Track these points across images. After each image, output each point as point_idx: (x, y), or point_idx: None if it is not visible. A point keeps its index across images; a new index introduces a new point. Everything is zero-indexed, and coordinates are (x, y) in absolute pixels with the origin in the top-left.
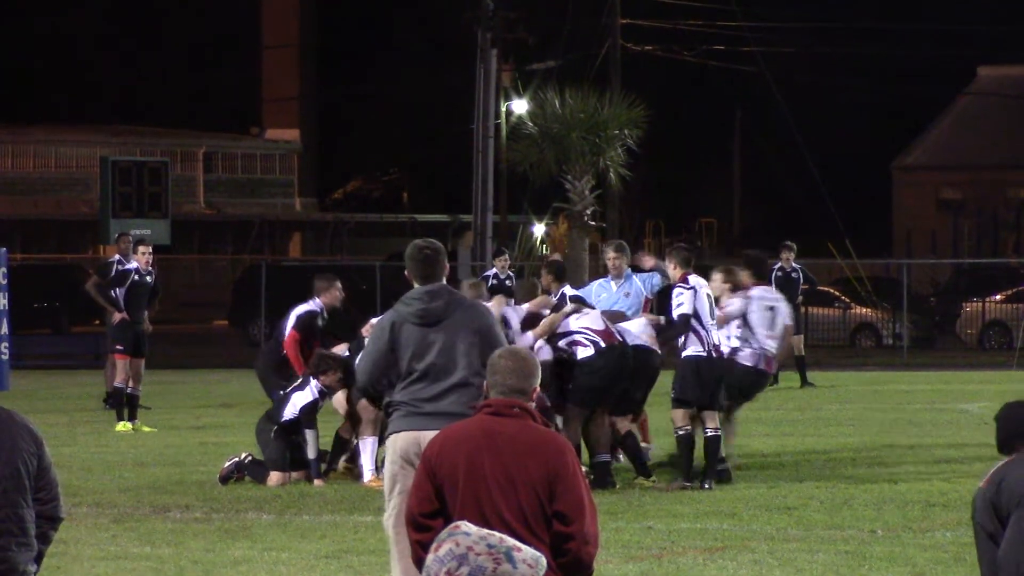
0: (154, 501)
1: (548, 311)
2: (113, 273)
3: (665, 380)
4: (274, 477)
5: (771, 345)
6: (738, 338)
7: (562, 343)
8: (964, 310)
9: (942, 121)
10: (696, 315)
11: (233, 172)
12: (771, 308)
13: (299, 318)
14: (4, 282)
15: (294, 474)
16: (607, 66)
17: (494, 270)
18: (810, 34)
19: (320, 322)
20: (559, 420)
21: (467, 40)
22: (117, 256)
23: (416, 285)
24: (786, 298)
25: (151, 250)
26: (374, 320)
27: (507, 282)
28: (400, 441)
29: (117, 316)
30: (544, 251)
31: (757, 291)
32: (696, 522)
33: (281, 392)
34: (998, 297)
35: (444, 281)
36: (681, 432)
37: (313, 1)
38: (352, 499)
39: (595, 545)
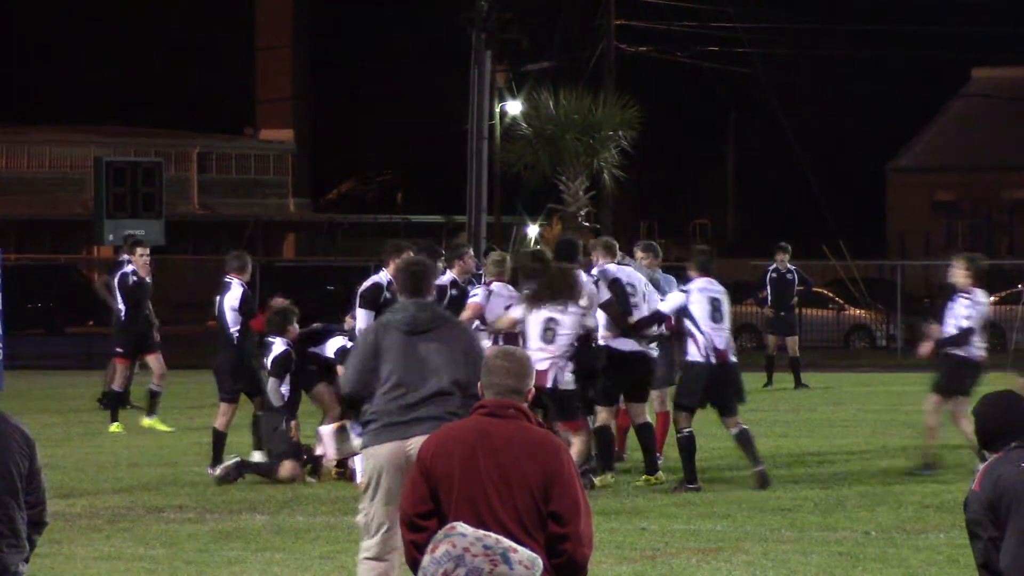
0: (148, 502)
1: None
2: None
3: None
4: (287, 467)
5: (717, 336)
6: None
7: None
8: None
9: (936, 123)
10: (690, 317)
11: (227, 173)
12: (714, 300)
13: (362, 295)
14: None
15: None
16: (601, 67)
17: (452, 275)
18: (804, 35)
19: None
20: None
21: (461, 41)
22: (126, 256)
23: (402, 299)
24: (782, 299)
25: (149, 251)
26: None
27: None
28: (384, 451)
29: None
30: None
31: (700, 283)
32: (690, 523)
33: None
34: (992, 299)
35: (430, 297)
36: (680, 435)
37: (307, 2)
38: (346, 500)
39: (590, 547)
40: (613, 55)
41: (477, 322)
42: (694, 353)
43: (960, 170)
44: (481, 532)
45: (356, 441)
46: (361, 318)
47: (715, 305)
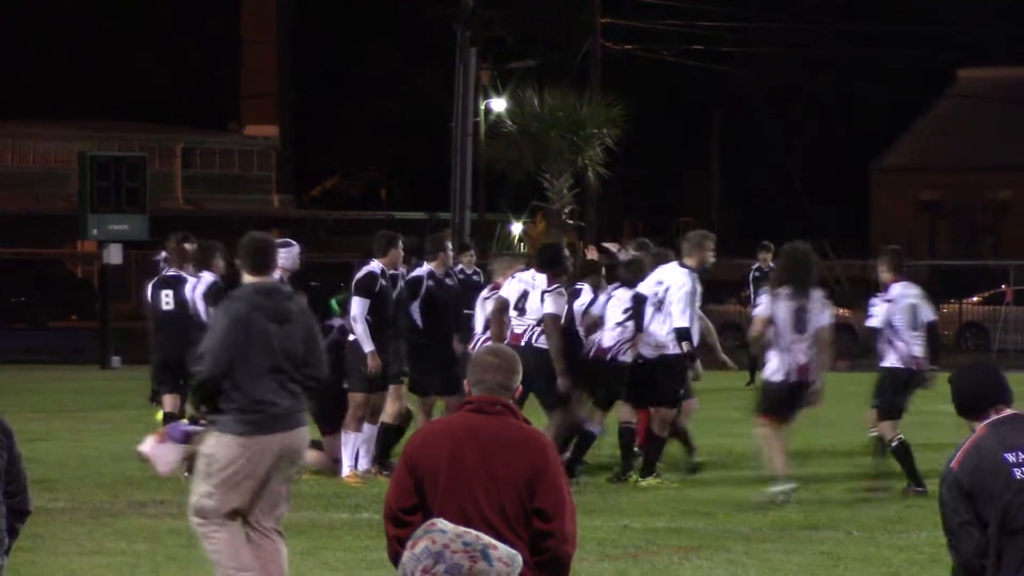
0: (130, 496)
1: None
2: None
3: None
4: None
5: (916, 346)
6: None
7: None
8: (940, 311)
9: (921, 124)
10: (891, 325)
11: (211, 168)
12: (913, 307)
13: (357, 284)
14: None
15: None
16: (586, 65)
17: (460, 265)
18: (790, 35)
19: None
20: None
21: (447, 37)
22: (164, 254)
23: (248, 275)
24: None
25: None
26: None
27: (474, 276)
28: (264, 443)
29: None
30: (522, 249)
31: (899, 288)
32: (672, 521)
33: None
34: (975, 299)
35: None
36: (893, 444)
37: None
38: (328, 496)
39: (573, 544)
40: (599, 53)
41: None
42: (893, 361)
43: (945, 170)
44: (461, 528)
45: (179, 448)
46: (356, 305)
47: (914, 312)
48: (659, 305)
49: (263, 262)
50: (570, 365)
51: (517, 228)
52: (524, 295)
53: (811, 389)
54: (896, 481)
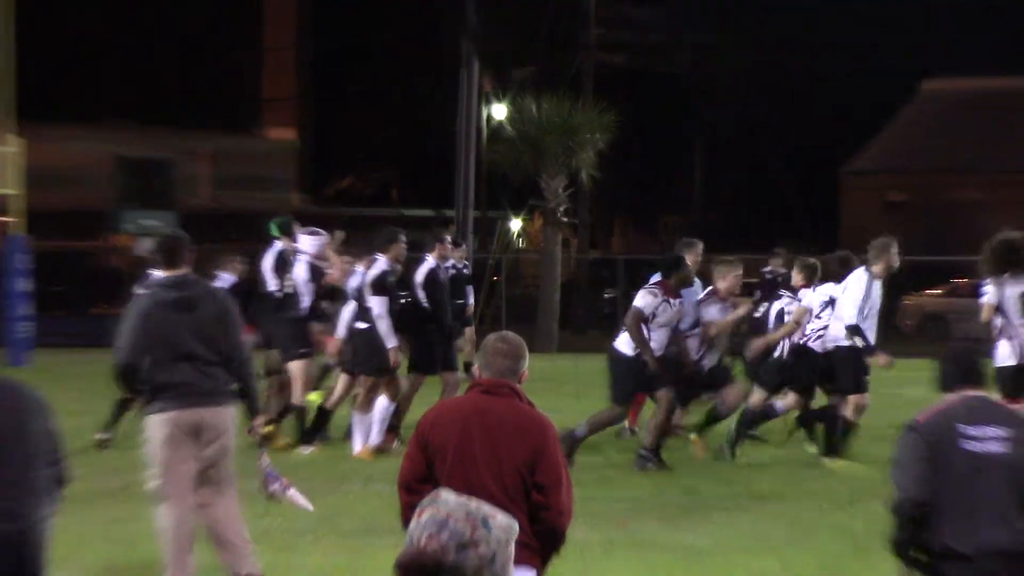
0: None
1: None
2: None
3: None
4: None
5: None
6: None
7: None
8: (904, 303)
9: (888, 129)
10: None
11: (235, 169)
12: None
13: (372, 285)
14: (23, 268)
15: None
16: (580, 74)
17: (451, 260)
18: (770, 47)
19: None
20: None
21: (453, 47)
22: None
23: (164, 270)
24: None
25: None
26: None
27: (464, 270)
28: (176, 418)
29: None
30: (520, 245)
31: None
32: (657, 493)
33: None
34: (937, 291)
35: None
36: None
37: (310, 5)
38: (343, 470)
39: (568, 516)
40: (592, 64)
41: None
42: (1007, 355)
43: (910, 172)
44: (464, 498)
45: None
46: (377, 305)
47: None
48: (833, 303)
49: (171, 258)
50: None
51: (516, 225)
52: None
53: None
54: None
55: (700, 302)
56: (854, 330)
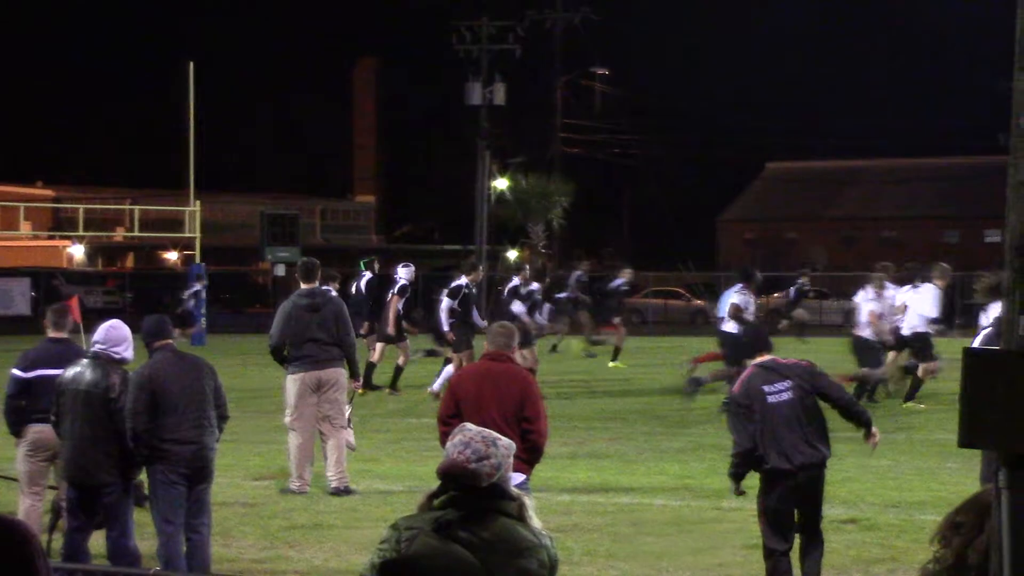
0: None
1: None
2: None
3: None
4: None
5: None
6: None
7: None
8: (761, 302)
9: (745, 193)
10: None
11: (336, 220)
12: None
13: (450, 291)
14: (204, 283)
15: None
16: (553, 159)
17: (466, 280)
18: (675, 136)
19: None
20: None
21: (473, 144)
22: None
23: (302, 284)
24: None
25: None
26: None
27: (474, 290)
28: (305, 376)
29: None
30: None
31: None
32: (607, 422)
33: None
34: (776, 295)
35: (318, 283)
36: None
37: (386, 91)
38: (407, 406)
39: (545, 437)
40: (559, 148)
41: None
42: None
43: (758, 220)
44: (480, 428)
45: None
46: (445, 303)
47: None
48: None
49: (307, 275)
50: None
51: (512, 255)
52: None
53: None
54: None
55: None
56: (934, 321)
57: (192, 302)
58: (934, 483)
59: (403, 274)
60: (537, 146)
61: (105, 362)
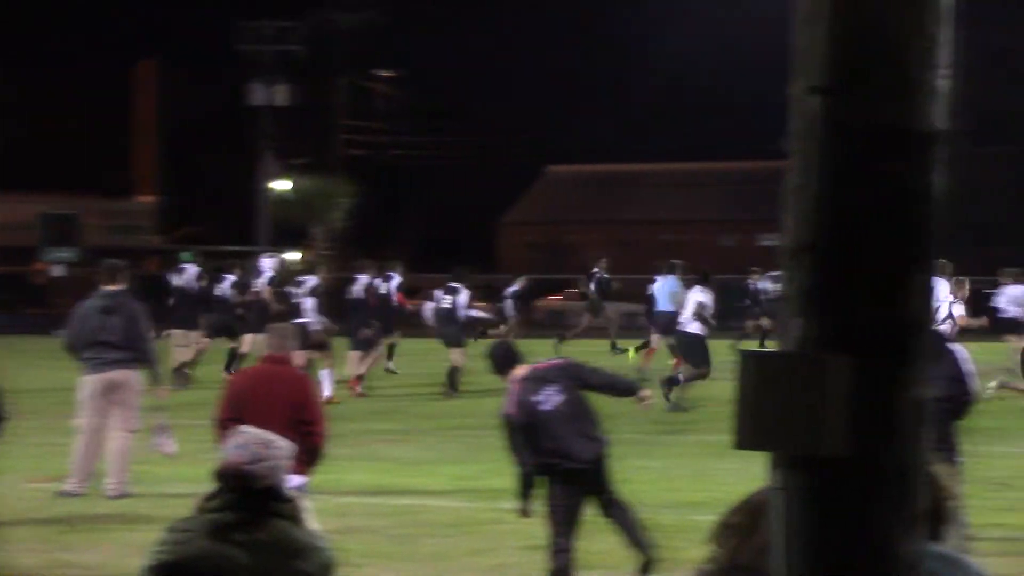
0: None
1: None
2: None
3: None
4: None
5: None
6: None
7: None
8: (539, 304)
9: (525, 196)
10: None
11: (117, 220)
12: None
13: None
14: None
15: None
16: (335, 157)
17: (315, 280)
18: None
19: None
20: None
21: (255, 144)
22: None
23: (103, 287)
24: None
25: None
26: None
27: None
28: (95, 378)
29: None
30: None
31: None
32: (385, 425)
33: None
34: (558, 297)
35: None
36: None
37: (165, 110)
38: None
39: (324, 439)
40: (339, 151)
41: None
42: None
43: (540, 223)
44: (258, 430)
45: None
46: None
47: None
48: None
49: (110, 277)
50: None
51: (295, 256)
52: None
53: None
54: None
55: None
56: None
57: None
58: (709, 484)
59: (269, 265)
60: (320, 147)
61: None
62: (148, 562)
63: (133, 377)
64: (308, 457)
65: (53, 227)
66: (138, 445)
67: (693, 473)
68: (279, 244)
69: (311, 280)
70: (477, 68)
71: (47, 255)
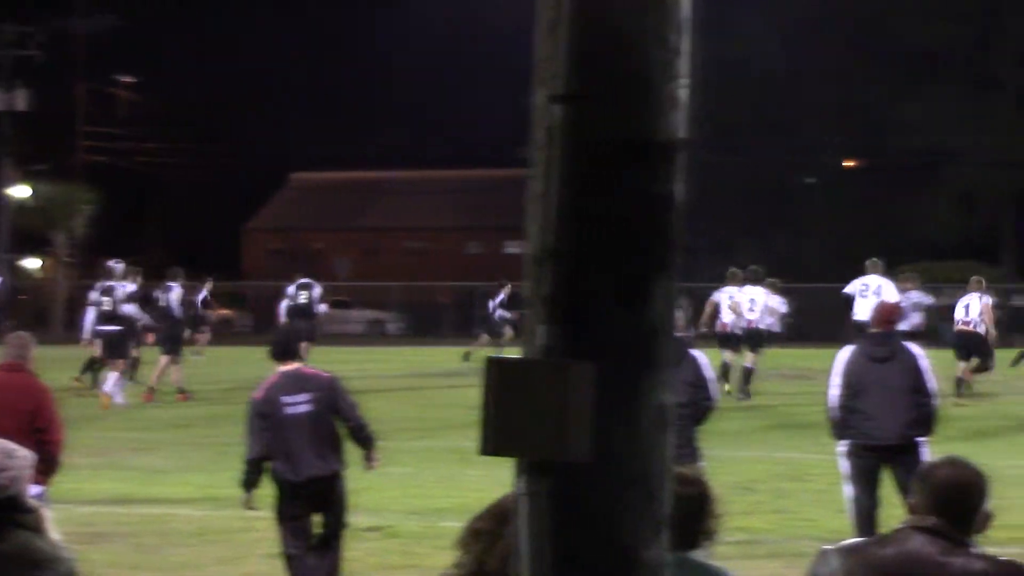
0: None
1: None
2: None
3: None
4: None
5: None
6: None
7: None
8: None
9: (269, 203)
10: None
11: None
12: None
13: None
14: None
15: None
16: (76, 163)
17: (128, 285)
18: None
19: None
20: None
21: None
22: None
23: None
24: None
25: None
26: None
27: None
28: None
29: None
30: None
31: None
32: (130, 433)
33: None
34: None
35: None
36: None
37: None
38: None
39: (60, 448)
40: (81, 157)
41: None
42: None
43: (283, 230)
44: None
45: None
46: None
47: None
48: None
49: None
50: None
51: (36, 264)
52: None
53: None
54: None
55: None
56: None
57: None
58: (455, 490)
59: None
60: (60, 153)
61: None
62: None
63: None
64: (45, 466)
65: None
66: None
67: (439, 479)
68: (19, 251)
69: (128, 286)
70: (221, 74)
71: None
